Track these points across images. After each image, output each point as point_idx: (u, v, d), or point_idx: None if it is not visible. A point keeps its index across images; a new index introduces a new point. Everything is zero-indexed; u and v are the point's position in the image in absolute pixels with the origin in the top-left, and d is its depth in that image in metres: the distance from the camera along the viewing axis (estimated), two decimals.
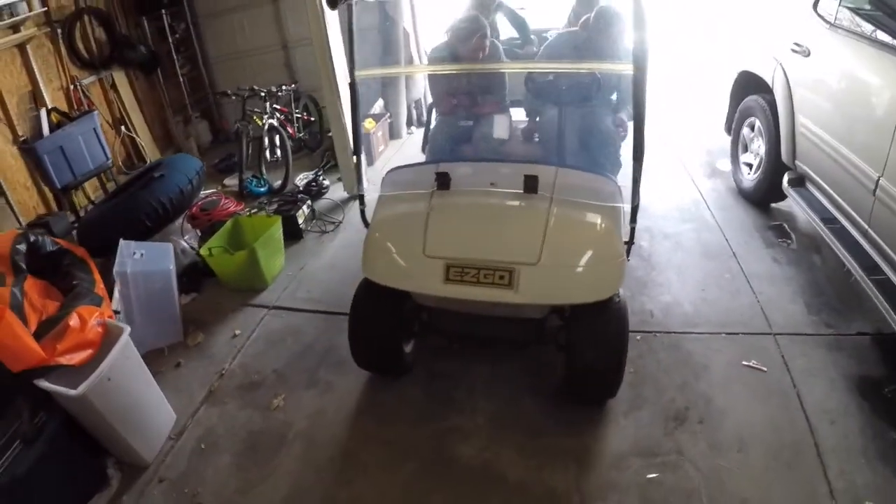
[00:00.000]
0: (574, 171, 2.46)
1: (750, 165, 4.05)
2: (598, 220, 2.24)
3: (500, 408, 2.52)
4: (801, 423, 2.31)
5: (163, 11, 5.59)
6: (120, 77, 5.33)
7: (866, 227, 2.73)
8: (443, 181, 2.36)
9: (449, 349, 2.83)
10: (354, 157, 2.72)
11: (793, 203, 3.51)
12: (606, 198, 2.29)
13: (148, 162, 5.24)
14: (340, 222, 4.29)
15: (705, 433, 2.31)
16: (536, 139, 3.46)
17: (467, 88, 3.43)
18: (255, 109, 5.04)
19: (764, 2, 3.99)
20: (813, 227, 3.26)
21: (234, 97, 5.01)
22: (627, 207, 2.26)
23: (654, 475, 2.15)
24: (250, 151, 4.97)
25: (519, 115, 3.76)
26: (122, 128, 5.33)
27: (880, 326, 2.74)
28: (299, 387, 2.76)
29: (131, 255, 3.08)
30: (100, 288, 2.70)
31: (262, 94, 4.97)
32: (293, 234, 4.06)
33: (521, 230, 2.23)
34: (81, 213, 4.47)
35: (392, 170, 2.69)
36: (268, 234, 3.55)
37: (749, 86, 3.96)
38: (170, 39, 5.74)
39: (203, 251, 3.49)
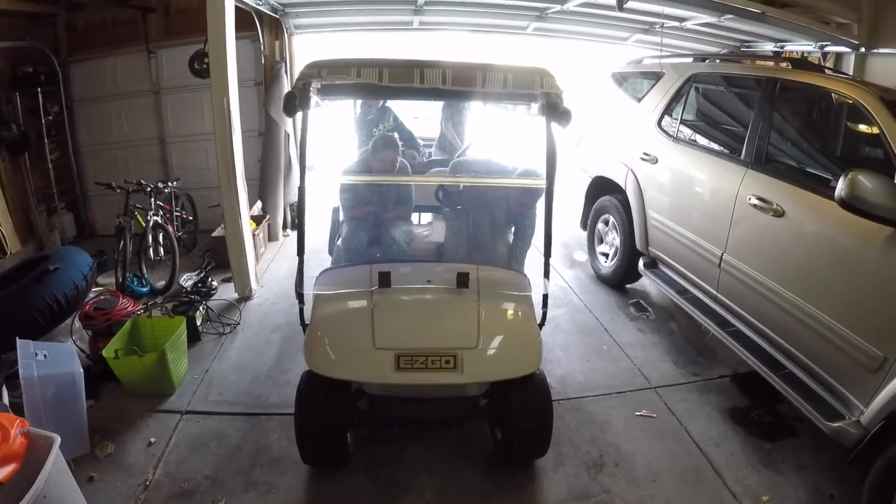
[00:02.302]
0: (490, 268, 2.90)
1: (606, 255, 4.90)
2: (519, 308, 2.69)
3: (444, 482, 2.74)
4: (694, 451, 2.95)
5: (38, 90, 5.30)
6: None
7: (715, 292, 3.53)
8: (384, 280, 2.61)
9: (381, 435, 3.00)
10: (298, 258, 2.83)
11: (646, 282, 4.36)
12: (521, 289, 2.77)
13: (7, 253, 4.75)
14: (238, 324, 4.26)
15: (623, 473, 2.80)
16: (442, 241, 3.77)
17: (379, 197, 3.68)
18: (137, 205, 4.89)
19: (611, 120, 4.96)
20: (666, 300, 4.13)
21: (118, 190, 4.81)
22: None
23: None
24: (131, 249, 4.76)
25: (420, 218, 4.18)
26: None
27: (735, 368, 3.63)
28: (237, 490, 2.69)
29: (33, 356, 2.81)
30: None
31: (149, 188, 4.86)
32: (191, 336, 3.89)
33: (459, 320, 2.56)
34: None
35: (325, 271, 2.92)
36: (175, 336, 3.45)
37: (601, 188, 4.85)
38: (42, 120, 5.41)
39: (107, 353, 3.26)
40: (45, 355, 2.88)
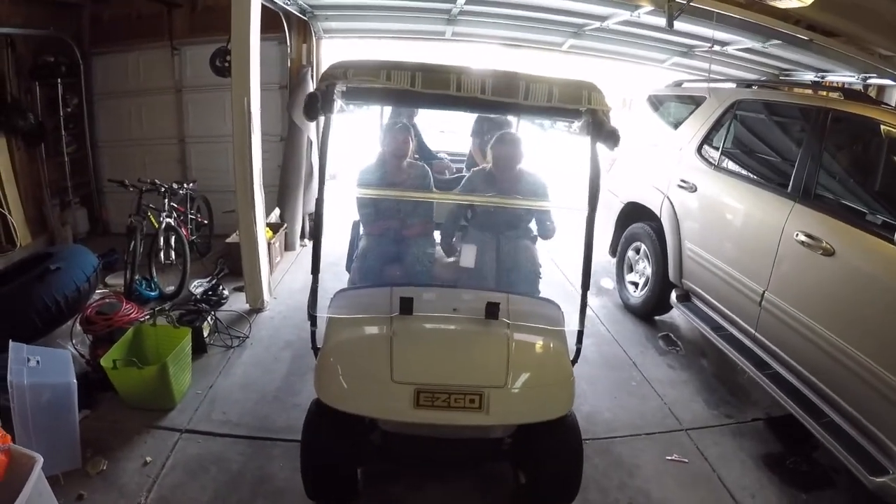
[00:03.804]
0: (522, 298, 2.67)
1: (636, 284, 4.65)
2: (552, 344, 2.43)
3: None
4: (727, 500, 2.73)
5: (59, 80, 5.17)
6: (0, 144, 4.77)
7: (753, 331, 3.30)
8: (406, 306, 2.37)
9: (393, 470, 2.77)
10: (312, 276, 2.65)
11: (676, 314, 4.13)
12: (554, 322, 2.52)
13: (17, 245, 4.59)
14: (247, 337, 4.05)
15: None
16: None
17: (397, 208, 3.51)
18: (151, 205, 4.74)
19: (645, 144, 4.75)
20: (696, 334, 3.91)
21: (131, 188, 4.65)
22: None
23: None
24: (141, 250, 4.58)
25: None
26: None
27: (769, 411, 3.40)
28: None
29: (25, 361, 2.62)
30: None
31: (163, 189, 4.71)
32: (197, 347, 3.70)
33: (486, 355, 2.32)
34: None
35: (341, 291, 2.69)
36: (179, 349, 3.25)
37: (633, 214, 4.63)
38: (61, 112, 5.28)
39: (105, 362, 3.06)
40: (37, 361, 2.69)
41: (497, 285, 3.14)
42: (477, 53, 6.40)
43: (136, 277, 4.44)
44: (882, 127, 2.90)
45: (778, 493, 2.80)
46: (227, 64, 4.72)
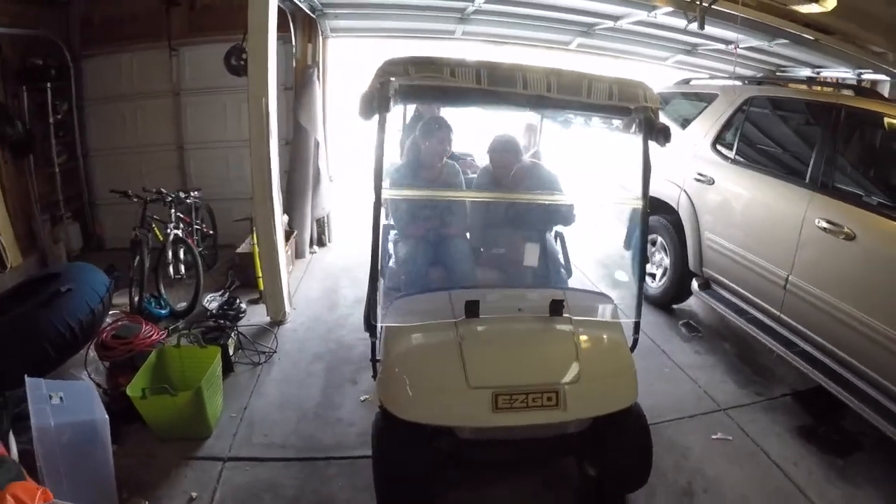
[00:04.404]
0: (578, 293, 2.73)
1: (653, 275, 4.72)
2: (613, 336, 2.51)
3: None
4: (775, 471, 2.89)
5: (48, 84, 4.83)
6: None
7: (778, 313, 3.47)
8: (472, 309, 2.34)
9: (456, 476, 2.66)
10: (370, 284, 2.44)
11: (692, 302, 4.44)
12: (612, 315, 2.60)
13: (7, 267, 4.25)
14: (274, 352, 3.82)
15: (713, 499, 2.70)
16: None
17: (438, 211, 3.37)
18: (155, 216, 4.45)
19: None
20: (715, 320, 4.20)
21: (135, 199, 4.35)
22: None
23: None
24: (147, 265, 4.28)
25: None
26: None
27: (794, 387, 3.59)
28: None
29: (47, 399, 2.33)
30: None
31: (170, 198, 4.43)
32: (224, 366, 3.42)
33: (556, 352, 2.35)
34: None
35: (399, 298, 2.59)
36: (211, 370, 3.00)
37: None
38: (50, 118, 4.93)
39: (132, 391, 2.79)
40: (60, 398, 2.41)
41: (537, 281, 3.13)
42: (482, 53, 6.26)
43: (145, 295, 4.14)
44: (887, 119, 3.14)
45: (818, 461, 2.96)
46: (243, 62, 4.45)
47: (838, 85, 5.42)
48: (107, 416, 2.51)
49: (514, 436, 2.34)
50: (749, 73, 6.43)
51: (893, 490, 2.76)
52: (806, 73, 6.39)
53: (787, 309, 3.42)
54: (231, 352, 3.62)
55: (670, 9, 4.40)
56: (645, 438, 2.48)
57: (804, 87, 5.03)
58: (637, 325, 2.58)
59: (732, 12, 4.20)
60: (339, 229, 6.33)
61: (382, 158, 2.29)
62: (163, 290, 4.28)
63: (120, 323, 3.35)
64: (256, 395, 3.36)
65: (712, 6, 4.19)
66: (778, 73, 6.61)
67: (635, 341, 2.58)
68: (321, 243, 6.01)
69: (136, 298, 4.12)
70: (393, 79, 2.16)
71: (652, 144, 2.43)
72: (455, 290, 2.55)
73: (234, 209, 5.15)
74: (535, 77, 2.23)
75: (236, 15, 4.68)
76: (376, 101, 2.15)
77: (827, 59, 5.69)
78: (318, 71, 5.43)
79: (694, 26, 4.47)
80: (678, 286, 4.45)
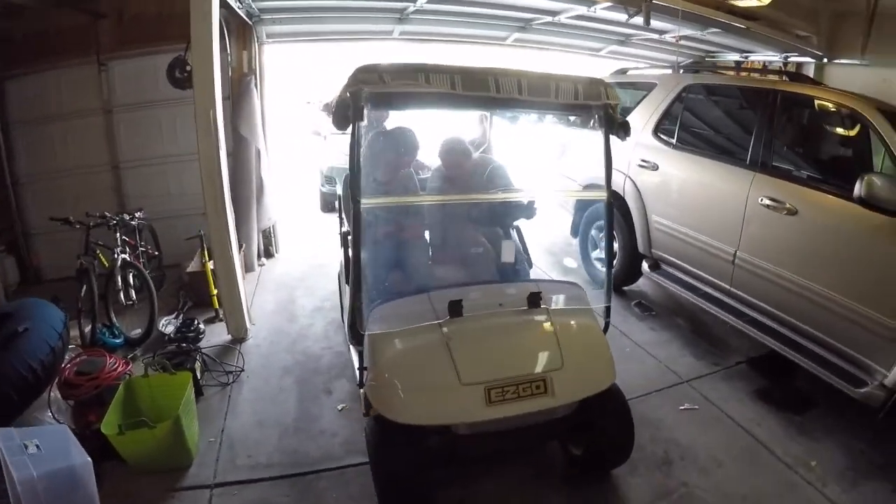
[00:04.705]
0: (549, 283, 2.89)
1: (602, 260, 4.85)
2: (589, 322, 2.67)
3: None
4: (741, 433, 3.13)
5: None
6: None
7: (728, 287, 3.74)
8: (455, 309, 2.41)
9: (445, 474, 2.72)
10: (352, 293, 2.50)
11: (642, 282, 4.69)
12: (582, 301, 2.75)
13: None
14: (242, 370, 3.73)
15: (690, 465, 2.90)
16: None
17: (406, 216, 3.34)
18: (99, 242, 4.25)
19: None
20: (665, 298, 4.51)
21: (77, 225, 4.13)
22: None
23: None
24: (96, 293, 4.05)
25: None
26: None
27: (747, 353, 3.89)
28: None
29: (23, 449, 2.23)
30: None
31: (114, 221, 4.24)
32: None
33: (540, 342, 2.48)
34: None
35: (378, 305, 2.57)
36: (186, 397, 2.91)
37: None
38: None
39: (107, 429, 2.66)
40: (37, 446, 2.31)
41: (501, 275, 3.20)
42: (421, 53, 6.28)
43: (98, 325, 3.94)
44: (820, 102, 3.41)
45: (777, 419, 3.24)
46: (187, 74, 4.27)
47: (766, 70, 5.80)
48: (89, 459, 2.42)
49: (507, 426, 2.40)
50: (682, 60, 6.73)
51: (847, 439, 3.04)
52: (734, 57, 6.76)
53: (736, 282, 3.67)
54: (199, 375, 3.50)
55: (610, 3, 4.55)
56: (628, 415, 2.62)
57: (733, 72, 5.35)
58: (608, 310, 2.75)
59: (674, 7, 4.42)
60: (286, 239, 6.22)
61: (360, 167, 2.31)
62: (114, 319, 4.08)
63: (80, 358, 3.18)
64: (232, 417, 3.28)
65: (654, 1, 4.37)
66: (707, 59, 6.95)
67: (607, 324, 2.76)
68: (269, 254, 5.89)
69: (88, 330, 3.90)
70: (365, 87, 2.18)
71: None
72: (433, 291, 2.59)
73: (179, 226, 4.93)
74: (507, 81, 2.32)
75: (167, 26, 4.53)
76: (351, 111, 2.18)
77: (755, 44, 6.02)
78: (256, 79, 5.28)
79: (637, 20, 4.66)
80: (628, 268, 4.67)
